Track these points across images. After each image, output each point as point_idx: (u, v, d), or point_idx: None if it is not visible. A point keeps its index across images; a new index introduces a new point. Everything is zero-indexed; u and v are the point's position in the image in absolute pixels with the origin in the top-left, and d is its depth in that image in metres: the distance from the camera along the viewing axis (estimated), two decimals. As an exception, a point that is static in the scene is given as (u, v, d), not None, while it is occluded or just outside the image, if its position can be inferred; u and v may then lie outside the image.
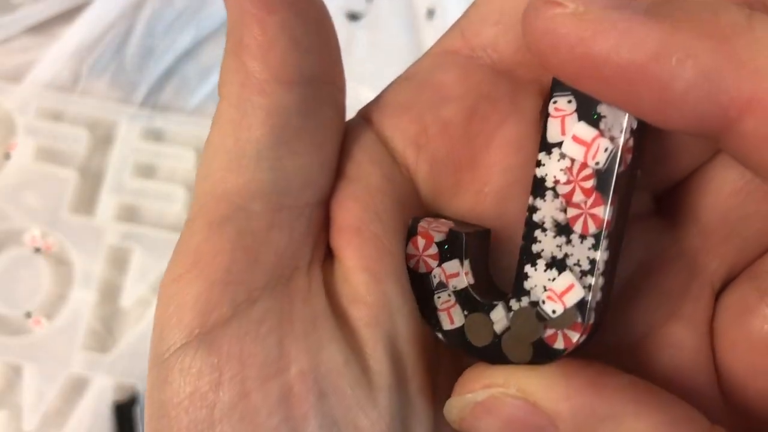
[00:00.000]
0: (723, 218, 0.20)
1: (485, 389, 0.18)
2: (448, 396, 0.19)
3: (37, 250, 0.46)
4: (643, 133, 0.18)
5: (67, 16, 0.49)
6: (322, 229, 0.20)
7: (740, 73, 0.14)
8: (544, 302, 0.18)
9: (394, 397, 0.18)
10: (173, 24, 0.50)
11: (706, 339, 0.20)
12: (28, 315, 0.45)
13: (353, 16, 0.51)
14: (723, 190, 0.20)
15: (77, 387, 0.44)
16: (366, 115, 0.21)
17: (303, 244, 0.19)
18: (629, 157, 0.17)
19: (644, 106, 0.15)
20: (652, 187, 0.21)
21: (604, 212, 0.17)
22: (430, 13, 0.50)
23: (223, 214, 0.18)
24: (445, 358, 0.20)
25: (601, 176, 0.17)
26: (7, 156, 0.47)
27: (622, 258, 0.19)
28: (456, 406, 0.19)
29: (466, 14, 0.21)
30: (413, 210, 0.20)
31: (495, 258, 0.20)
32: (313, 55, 0.19)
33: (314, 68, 0.19)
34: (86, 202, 0.47)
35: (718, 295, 0.21)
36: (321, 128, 0.19)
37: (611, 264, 0.18)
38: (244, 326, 0.18)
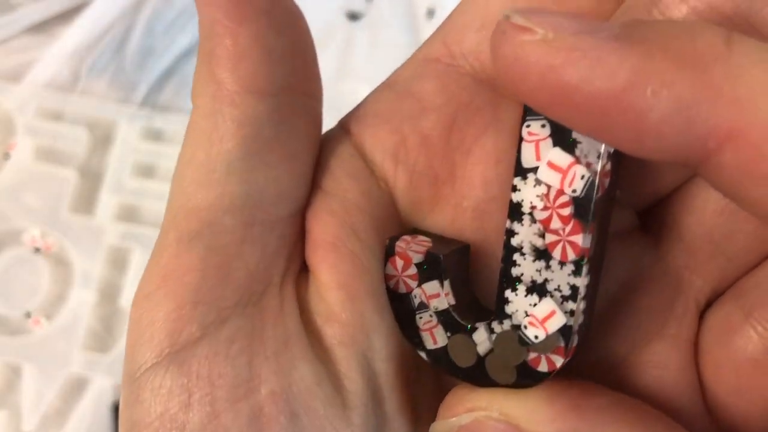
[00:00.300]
0: (707, 236, 0.19)
1: (469, 413, 0.18)
2: (429, 413, 0.19)
3: (37, 250, 0.46)
4: (620, 155, 0.17)
5: (67, 15, 0.49)
6: (297, 243, 0.19)
7: (718, 104, 0.13)
8: (526, 327, 0.18)
9: (369, 417, 0.18)
10: (173, 24, 0.50)
11: (691, 358, 0.20)
12: (28, 315, 0.45)
13: (353, 16, 0.51)
14: (707, 209, 0.19)
15: (77, 387, 0.44)
16: (346, 125, 0.20)
17: (276, 259, 0.19)
18: (607, 181, 0.17)
19: (619, 136, 0.14)
20: (634, 204, 0.20)
21: (583, 240, 0.17)
22: (430, 13, 0.50)
23: (193, 230, 0.18)
24: (426, 375, 0.20)
25: (579, 203, 0.17)
26: (7, 156, 0.47)
27: (605, 275, 0.19)
28: (440, 430, 0.18)
29: (448, 21, 0.20)
30: (391, 225, 0.20)
31: (476, 272, 0.20)
32: (287, 65, 0.19)
33: (288, 78, 0.19)
34: (86, 202, 0.47)
35: (703, 313, 0.20)
36: (295, 139, 0.19)
37: (592, 288, 0.18)
38: (214, 346, 0.17)
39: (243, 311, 0.18)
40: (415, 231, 0.20)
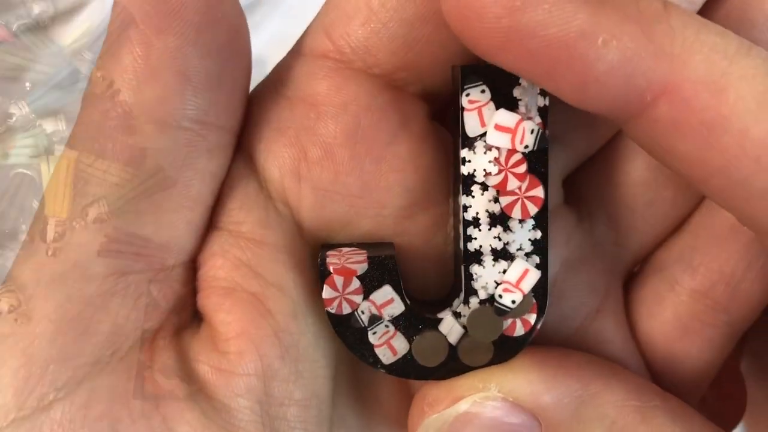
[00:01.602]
0: (630, 206, 0.20)
1: (467, 398, 0.17)
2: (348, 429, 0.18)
3: (35, 250, 0.46)
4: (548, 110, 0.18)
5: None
6: (184, 291, 0.17)
7: (658, 59, 0.14)
8: (501, 296, 0.18)
9: None
10: (173, 23, 0.50)
11: (628, 330, 0.20)
12: (25, 316, 0.45)
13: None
14: (629, 181, 0.19)
15: (74, 389, 0.44)
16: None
17: (151, 312, 0.17)
18: (547, 132, 0.18)
19: (565, 84, 0.14)
20: (562, 168, 0.20)
21: (544, 191, 0.17)
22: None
23: (56, 270, 0.16)
24: (342, 390, 0.19)
25: (533, 158, 0.17)
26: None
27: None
28: (433, 426, 0.18)
29: (327, 11, 0.18)
30: (298, 250, 0.18)
31: (403, 273, 0.19)
32: (206, 95, 0.16)
33: (203, 111, 0.16)
34: (85, 202, 0.47)
35: (627, 283, 0.21)
36: (197, 181, 0.17)
37: (547, 239, 0.18)
38: (68, 411, 0.15)
39: (104, 369, 0.16)
40: (328, 246, 0.18)
